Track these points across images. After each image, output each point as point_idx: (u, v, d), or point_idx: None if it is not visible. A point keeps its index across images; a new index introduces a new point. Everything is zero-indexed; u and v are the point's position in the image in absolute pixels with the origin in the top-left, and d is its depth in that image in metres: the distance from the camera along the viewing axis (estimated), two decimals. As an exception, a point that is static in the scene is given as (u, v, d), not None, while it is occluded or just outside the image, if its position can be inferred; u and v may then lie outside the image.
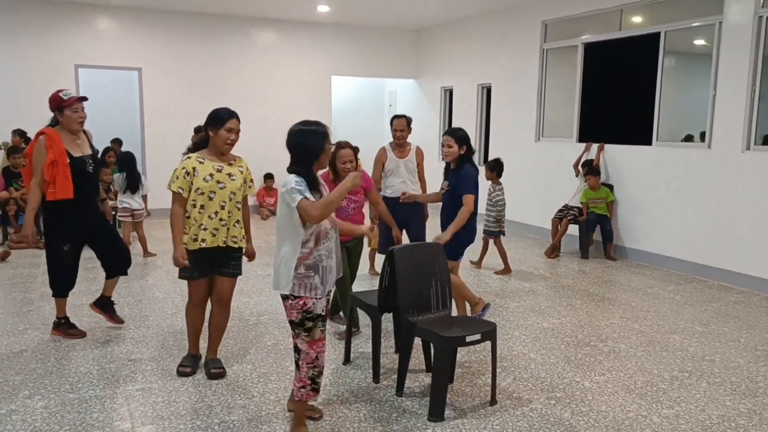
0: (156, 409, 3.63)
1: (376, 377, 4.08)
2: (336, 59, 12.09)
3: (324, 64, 11.99)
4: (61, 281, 4.83)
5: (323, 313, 3.26)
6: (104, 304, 5.12)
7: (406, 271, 3.85)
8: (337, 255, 3.32)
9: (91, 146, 4.86)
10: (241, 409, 3.63)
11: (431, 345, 3.94)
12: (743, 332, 5.19)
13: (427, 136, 12.45)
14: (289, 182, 3.14)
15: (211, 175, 3.87)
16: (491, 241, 7.28)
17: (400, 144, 6.24)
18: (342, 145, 4.74)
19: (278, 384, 4.00)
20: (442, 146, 4.80)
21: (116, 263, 4.98)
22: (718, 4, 6.85)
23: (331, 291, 3.36)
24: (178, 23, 10.84)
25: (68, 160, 4.50)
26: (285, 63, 11.68)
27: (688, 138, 7.65)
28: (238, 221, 4.01)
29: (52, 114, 4.64)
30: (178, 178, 3.85)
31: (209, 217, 3.88)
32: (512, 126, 10.06)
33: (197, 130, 9.31)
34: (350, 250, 5.06)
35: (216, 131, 3.87)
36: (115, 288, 5.13)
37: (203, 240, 3.90)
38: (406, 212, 5.90)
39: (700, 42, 7.70)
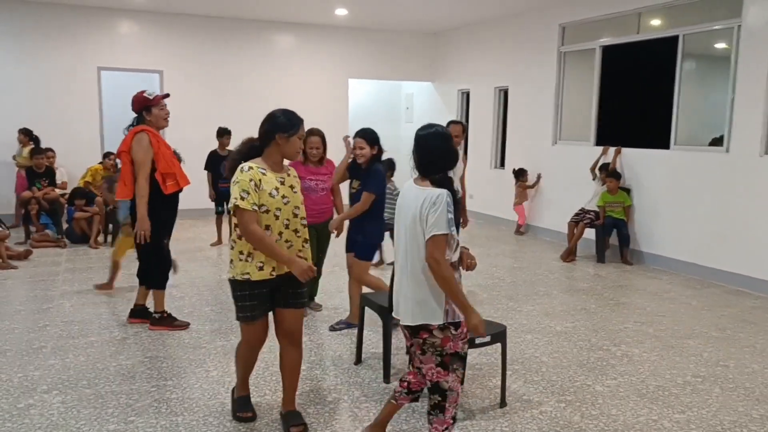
0: (170, 405, 3.70)
1: (386, 377, 4.11)
2: (353, 62, 12.16)
3: (341, 67, 12.06)
4: (164, 274, 5.07)
5: None
6: (141, 312, 5.22)
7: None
8: None
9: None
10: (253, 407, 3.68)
11: None
12: (760, 337, 5.13)
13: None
14: (440, 201, 2.72)
15: (276, 189, 3.17)
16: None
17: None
18: (313, 132, 5.28)
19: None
20: (354, 148, 4.81)
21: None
22: (736, 7, 6.79)
23: None
24: (199, 26, 10.99)
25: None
26: (303, 66, 11.77)
27: (715, 142, 7.52)
28: (306, 240, 3.35)
29: (134, 115, 4.85)
30: (248, 193, 3.07)
31: (274, 239, 3.18)
32: (529, 129, 10.04)
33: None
34: (319, 232, 5.32)
35: (288, 138, 3.23)
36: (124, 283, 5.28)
37: (273, 268, 3.21)
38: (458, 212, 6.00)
39: (718, 45, 7.62)
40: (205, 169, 8.91)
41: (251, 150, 3.29)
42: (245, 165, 3.17)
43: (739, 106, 6.78)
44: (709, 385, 4.15)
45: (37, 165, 8.81)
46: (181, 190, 4.91)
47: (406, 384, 3.12)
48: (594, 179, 8.35)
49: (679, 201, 7.47)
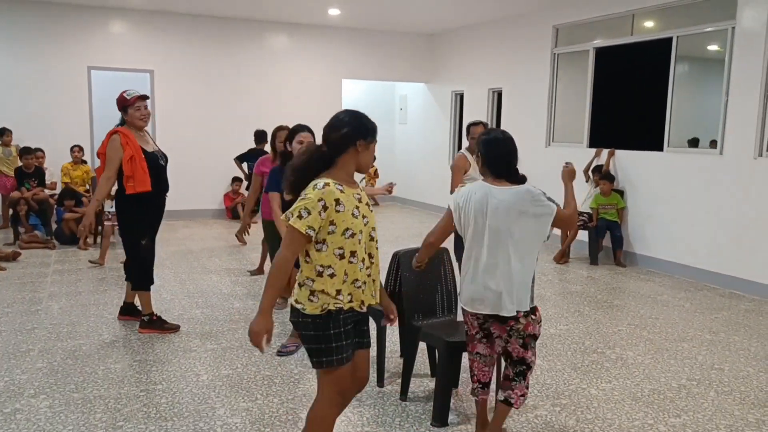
0: (159, 410, 3.63)
1: (380, 381, 4.06)
2: (347, 63, 12.11)
3: (335, 67, 12.01)
4: (144, 275, 5.00)
5: None
6: (130, 310, 5.26)
7: (411, 275, 3.83)
8: None
9: (155, 143, 5.10)
10: (244, 412, 3.62)
11: (436, 350, 3.92)
12: (753, 341, 5.12)
13: (437, 140, 12.46)
14: (534, 191, 3.10)
15: (357, 207, 2.63)
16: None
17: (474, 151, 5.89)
18: (281, 127, 5.49)
19: (281, 387, 3.99)
20: (300, 143, 4.43)
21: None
22: (730, 10, 6.79)
23: None
24: (190, 26, 10.91)
25: (143, 155, 4.75)
26: (296, 66, 11.71)
27: (694, 142, 7.59)
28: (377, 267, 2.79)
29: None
30: (309, 213, 2.50)
31: (359, 267, 2.64)
32: (523, 131, 9.99)
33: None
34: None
35: (368, 144, 2.69)
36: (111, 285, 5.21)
37: (361, 302, 2.67)
38: None
39: (712, 47, 7.63)
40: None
41: (319, 161, 2.67)
42: (320, 181, 2.57)
43: (732, 108, 6.78)
44: (704, 389, 4.12)
45: (26, 165, 8.72)
46: (158, 193, 4.85)
47: (475, 378, 3.30)
48: (587, 181, 8.34)
49: (672, 203, 7.47)
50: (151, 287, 5.08)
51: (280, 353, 4.54)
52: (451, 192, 5.66)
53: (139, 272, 4.97)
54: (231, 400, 3.78)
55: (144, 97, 4.85)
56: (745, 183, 6.65)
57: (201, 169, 11.07)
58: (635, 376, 4.32)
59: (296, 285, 2.64)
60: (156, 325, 4.98)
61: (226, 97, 11.24)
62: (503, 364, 3.33)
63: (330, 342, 2.58)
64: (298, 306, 2.61)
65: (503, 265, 3.07)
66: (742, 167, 6.68)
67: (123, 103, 4.79)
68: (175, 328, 5.02)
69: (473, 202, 3.14)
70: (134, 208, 4.79)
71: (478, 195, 3.14)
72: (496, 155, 3.19)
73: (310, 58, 11.80)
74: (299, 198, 2.57)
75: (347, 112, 2.75)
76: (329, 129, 2.69)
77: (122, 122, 4.83)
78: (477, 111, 11.21)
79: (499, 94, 10.72)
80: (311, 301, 2.58)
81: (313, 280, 2.58)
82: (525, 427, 3.53)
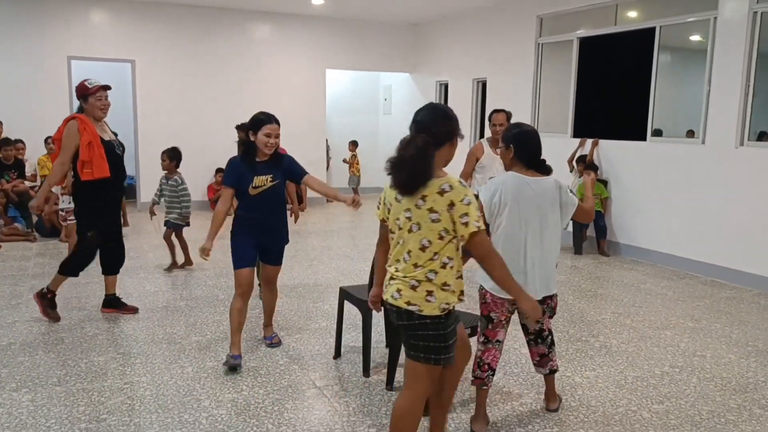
0: (144, 402, 3.60)
1: (366, 371, 4.06)
2: (331, 53, 12.04)
3: (319, 57, 11.94)
4: (77, 263, 4.97)
5: None
6: (112, 302, 5.26)
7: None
8: None
9: (113, 132, 5.06)
10: (229, 403, 3.61)
11: None
12: (735, 328, 5.19)
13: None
14: (561, 183, 3.30)
15: None
16: (173, 235, 6.81)
17: (497, 139, 5.54)
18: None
19: (267, 378, 3.97)
20: (268, 135, 4.04)
21: (117, 261, 5.22)
22: (712, 0, 6.83)
23: None
24: (172, 15, 10.77)
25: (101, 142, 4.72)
26: (279, 56, 11.62)
27: (657, 133, 7.68)
28: None
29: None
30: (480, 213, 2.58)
31: None
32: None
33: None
34: None
35: (453, 142, 2.64)
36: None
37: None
38: None
39: (695, 38, 7.68)
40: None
41: (432, 155, 2.52)
42: (452, 180, 2.51)
43: (714, 98, 6.83)
44: (686, 376, 4.17)
45: (5, 157, 8.58)
46: (115, 182, 4.85)
47: (487, 366, 3.35)
48: (571, 171, 8.37)
49: (655, 193, 7.53)
50: (128, 281, 5.04)
51: (270, 345, 4.54)
52: (467, 180, 5.61)
53: (75, 260, 4.95)
54: (216, 392, 3.76)
55: (106, 87, 4.80)
56: (727, 172, 6.72)
57: (183, 160, 10.94)
58: (619, 363, 4.36)
59: (424, 289, 2.54)
60: (45, 302, 4.96)
61: (208, 88, 11.14)
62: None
63: (447, 341, 2.62)
64: (419, 308, 2.55)
65: (539, 251, 3.24)
66: (724, 156, 6.74)
67: (83, 92, 4.74)
68: (56, 317, 4.95)
69: (507, 192, 3.24)
70: (90, 195, 4.75)
71: (511, 185, 3.25)
72: (530, 148, 3.32)
73: (294, 48, 11.72)
74: (466, 203, 2.46)
75: (443, 105, 2.71)
76: (435, 120, 2.57)
77: (80, 110, 4.81)
78: (462, 101, 11.21)
79: (484, 84, 10.72)
80: (434, 300, 2.55)
81: (450, 284, 2.57)
82: (510, 415, 3.55)
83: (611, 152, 8.14)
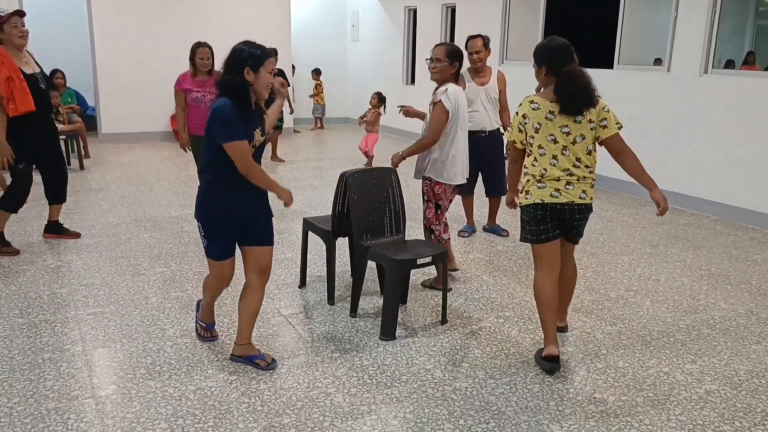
0: (108, 332, 3.63)
1: (331, 299, 4.13)
2: (296, -24, 11.58)
3: (283, -19, 11.49)
4: (12, 198, 4.92)
5: None
6: (55, 228, 5.30)
7: (360, 196, 3.83)
8: None
9: (38, 64, 4.90)
10: (194, 333, 3.64)
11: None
12: (690, 253, 5.36)
13: (390, 58, 12.21)
14: None
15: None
16: None
17: (477, 69, 5.38)
18: (202, 44, 5.54)
19: (232, 307, 4.01)
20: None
21: (60, 191, 5.21)
22: None
23: None
24: (126, -66, 10.18)
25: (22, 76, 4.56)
26: (242, -20, 11.15)
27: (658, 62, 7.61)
28: None
29: None
30: None
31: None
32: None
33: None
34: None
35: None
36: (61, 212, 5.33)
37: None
38: (486, 148, 5.40)
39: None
40: None
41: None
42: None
43: (681, 24, 6.79)
44: (640, 299, 4.33)
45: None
46: (42, 116, 4.74)
47: (445, 232, 4.29)
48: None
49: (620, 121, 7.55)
50: (90, 212, 4.98)
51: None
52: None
53: (10, 195, 4.91)
54: (181, 321, 3.79)
55: (20, 13, 4.62)
56: (691, 100, 6.76)
57: (145, 89, 10.64)
58: (577, 288, 4.44)
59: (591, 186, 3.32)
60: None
61: (169, 14, 10.68)
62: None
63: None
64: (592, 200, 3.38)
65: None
66: (688, 84, 6.77)
67: None
68: (14, 252, 4.91)
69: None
70: (17, 129, 4.64)
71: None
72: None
73: (257, -29, 11.24)
74: (605, 110, 3.42)
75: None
76: (559, 52, 3.32)
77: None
78: (431, 27, 10.98)
79: (453, 10, 10.48)
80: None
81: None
82: (469, 338, 3.66)
83: (579, 80, 8.09)
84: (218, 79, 3.06)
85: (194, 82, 5.48)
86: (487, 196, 5.77)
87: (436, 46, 4.23)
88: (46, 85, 4.88)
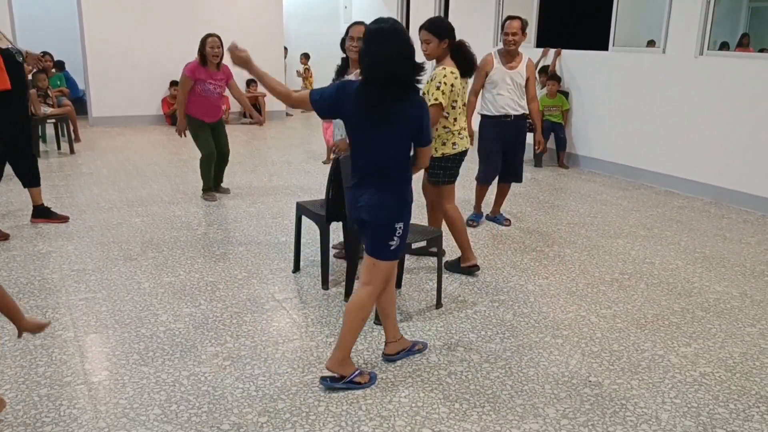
0: (100, 318, 3.59)
1: (325, 284, 4.10)
2: (287, -43, 11.43)
3: (275, -38, 11.33)
4: None
5: None
6: (43, 212, 5.25)
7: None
8: None
9: (9, 41, 4.84)
10: (187, 317, 3.62)
11: None
12: (684, 236, 5.35)
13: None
14: None
15: None
16: None
17: (510, 51, 5.13)
18: (212, 35, 5.78)
19: (225, 292, 3.99)
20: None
21: (30, 173, 5.17)
22: None
23: None
24: None
25: None
26: (233, -39, 10.99)
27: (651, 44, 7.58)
28: None
29: None
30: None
31: None
32: (471, 28, 9.78)
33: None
34: (214, 129, 6.01)
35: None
36: (46, 194, 5.40)
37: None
38: (509, 133, 5.28)
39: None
40: None
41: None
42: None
43: (676, 6, 6.74)
44: (635, 282, 4.32)
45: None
46: (19, 91, 4.69)
47: None
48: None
49: (615, 104, 7.53)
50: (81, 197, 4.93)
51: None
52: (470, 94, 5.10)
53: None
54: (174, 307, 3.76)
55: None
56: (686, 82, 6.73)
57: (135, 72, 10.51)
58: (571, 271, 4.48)
59: None
60: None
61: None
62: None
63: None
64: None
65: None
66: (683, 66, 6.73)
67: None
68: (2, 236, 4.88)
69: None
70: None
71: None
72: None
73: (248, -48, 11.08)
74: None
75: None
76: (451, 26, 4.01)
77: None
78: (424, 8, 10.87)
79: (447, -8, 10.37)
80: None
81: None
82: (464, 322, 3.64)
83: (573, 62, 8.06)
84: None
85: (208, 73, 5.76)
86: (499, 182, 5.54)
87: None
88: (23, 59, 4.79)
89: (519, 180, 5.53)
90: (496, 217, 5.64)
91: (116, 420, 2.66)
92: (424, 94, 3.85)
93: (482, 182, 5.46)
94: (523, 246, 4.99)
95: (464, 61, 3.95)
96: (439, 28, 3.96)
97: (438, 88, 3.85)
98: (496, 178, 5.51)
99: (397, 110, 2.72)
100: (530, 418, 2.73)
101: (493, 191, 5.62)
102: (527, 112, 5.36)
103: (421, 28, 4.00)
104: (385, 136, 2.76)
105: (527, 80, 5.22)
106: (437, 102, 3.86)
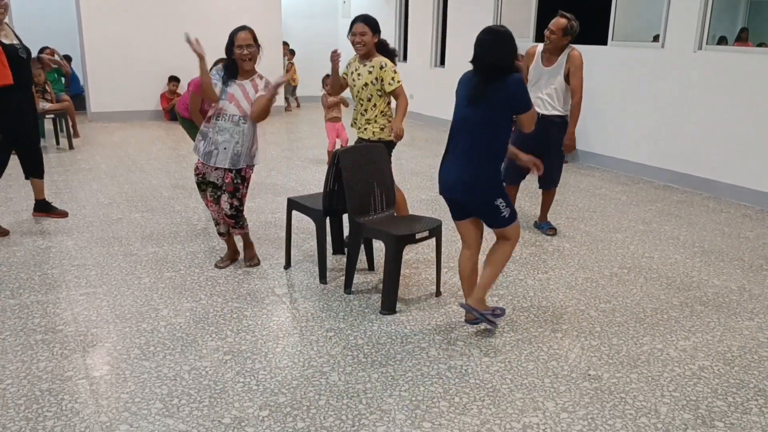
0: (101, 313, 3.60)
1: (322, 278, 4.11)
2: (286, -48, 11.40)
3: (273, -44, 11.30)
4: None
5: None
6: (43, 206, 5.28)
7: (353, 174, 3.81)
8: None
9: (17, 36, 4.83)
10: (188, 312, 3.63)
11: (373, 245, 4.16)
12: (683, 230, 5.37)
13: (382, 34, 12.06)
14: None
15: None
16: None
17: (548, 49, 4.89)
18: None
19: (226, 287, 4.00)
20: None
21: (34, 165, 5.18)
22: None
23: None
24: None
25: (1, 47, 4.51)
26: (231, -45, 10.97)
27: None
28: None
29: None
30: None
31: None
32: (470, 25, 9.79)
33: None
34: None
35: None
36: (45, 189, 5.35)
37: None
38: (539, 133, 4.09)
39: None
40: None
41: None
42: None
43: (675, 0, 6.73)
44: (633, 276, 4.34)
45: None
46: (21, 86, 4.72)
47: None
48: (532, 77, 8.28)
49: (615, 98, 7.54)
50: (81, 193, 4.94)
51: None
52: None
53: None
54: (174, 301, 3.77)
55: None
56: (685, 76, 6.73)
57: (134, 67, 10.50)
58: (570, 266, 4.49)
59: None
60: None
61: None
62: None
63: None
64: None
65: None
66: (682, 60, 6.73)
67: None
68: (3, 232, 4.89)
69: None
70: None
71: None
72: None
73: (246, -53, 11.05)
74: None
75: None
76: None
77: None
78: (423, 5, 10.86)
79: (446, -13, 10.36)
80: None
81: None
82: (462, 317, 3.65)
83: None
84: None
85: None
86: (540, 188, 5.27)
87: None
88: (27, 56, 4.82)
89: (547, 185, 5.16)
90: (540, 225, 5.29)
91: (118, 414, 2.67)
92: (379, 80, 4.29)
93: (506, 180, 4.82)
94: (523, 240, 5.00)
95: (391, 55, 4.39)
96: (374, 23, 4.32)
97: (396, 72, 4.29)
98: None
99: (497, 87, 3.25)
100: (530, 412, 2.74)
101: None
102: (562, 113, 4.96)
103: (358, 20, 4.32)
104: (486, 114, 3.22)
105: (571, 74, 4.86)
106: (400, 83, 4.30)
